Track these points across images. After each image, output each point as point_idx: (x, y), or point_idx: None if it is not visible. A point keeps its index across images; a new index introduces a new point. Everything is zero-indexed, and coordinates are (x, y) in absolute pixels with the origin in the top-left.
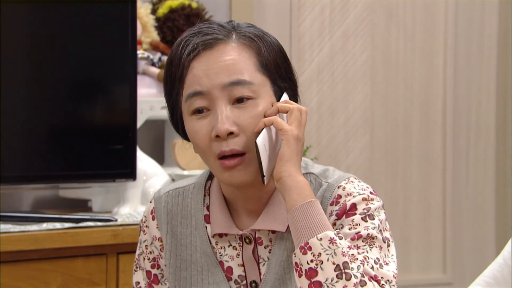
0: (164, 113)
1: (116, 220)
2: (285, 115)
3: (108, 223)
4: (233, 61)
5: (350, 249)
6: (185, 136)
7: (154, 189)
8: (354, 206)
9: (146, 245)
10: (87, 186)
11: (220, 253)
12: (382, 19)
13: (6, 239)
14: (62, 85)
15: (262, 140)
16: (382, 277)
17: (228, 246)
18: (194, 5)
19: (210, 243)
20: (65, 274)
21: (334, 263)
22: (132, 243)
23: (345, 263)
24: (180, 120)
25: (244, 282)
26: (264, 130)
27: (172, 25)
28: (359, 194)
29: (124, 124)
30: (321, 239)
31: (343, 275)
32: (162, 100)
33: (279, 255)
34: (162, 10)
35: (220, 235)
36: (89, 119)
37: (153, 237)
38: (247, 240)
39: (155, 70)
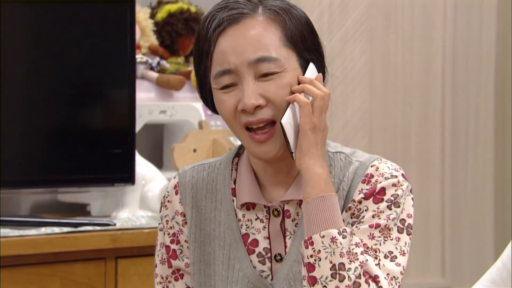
0: (162, 117)
1: (114, 225)
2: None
3: (106, 228)
4: (259, 36)
5: (357, 246)
6: (214, 110)
7: (153, 193)
8: (383, 191)
9: (167, 220)
10: (86, 190)
11: (246, 225)
12: (381, 23)
13: (5, 244)
14: (61, 89)
15: (287, 119)
16: (388, 274)
17: (255, 219)
18: (192, 9)
19: (236, 216)
20: (64, 278)
21: (331, 262)
22: (131, 247)
23: (341, 264)
24: (209, 94)
25: (269, 255)
26: (288, 108)
27: (171, 30)
28: (391, 176)
29: (122, 128)
30: (323, 236)
31: (337, 275)
32: (160, 104)
33: None
34: (161, 14)
35: (248, 208)
36: (88, 123)
37: (175, 212)
38: (275, 213)
39: (154, 75)
